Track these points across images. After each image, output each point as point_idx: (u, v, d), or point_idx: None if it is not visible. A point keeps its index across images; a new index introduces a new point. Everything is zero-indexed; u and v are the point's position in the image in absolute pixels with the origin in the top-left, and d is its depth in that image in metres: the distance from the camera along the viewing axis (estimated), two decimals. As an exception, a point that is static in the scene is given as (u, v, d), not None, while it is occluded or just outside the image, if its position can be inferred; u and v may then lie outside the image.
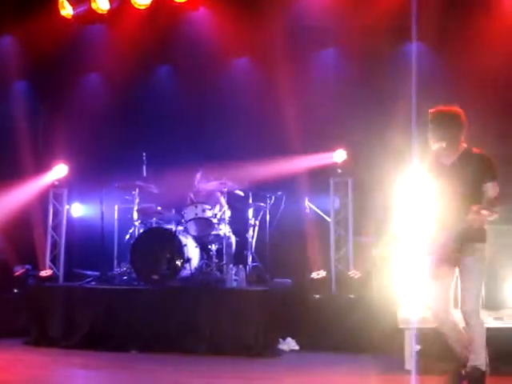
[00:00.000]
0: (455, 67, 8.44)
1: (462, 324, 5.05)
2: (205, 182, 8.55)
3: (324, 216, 8.59)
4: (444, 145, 5.01)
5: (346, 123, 8.55)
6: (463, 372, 4.95)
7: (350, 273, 7.94)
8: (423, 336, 6.12)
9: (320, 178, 8.59)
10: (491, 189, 4.93)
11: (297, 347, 7.38)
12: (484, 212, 4.62)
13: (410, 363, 5.99)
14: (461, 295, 4.98)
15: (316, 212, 8.68)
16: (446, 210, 4.96)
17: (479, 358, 4.90)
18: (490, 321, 5.82)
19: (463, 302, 4.94)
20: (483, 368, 4.91)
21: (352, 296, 7.67)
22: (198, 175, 8.61)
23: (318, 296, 7.77)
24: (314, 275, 7.96)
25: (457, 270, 5.03)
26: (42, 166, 9.51)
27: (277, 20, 9.19)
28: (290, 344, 7.37)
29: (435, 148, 5.06)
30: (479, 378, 4.89)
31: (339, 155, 8.37)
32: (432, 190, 5.09)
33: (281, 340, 7.37)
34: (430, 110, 5.13)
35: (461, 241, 4.90)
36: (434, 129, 5.05)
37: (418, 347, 6.14)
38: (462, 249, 4.94)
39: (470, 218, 4.69)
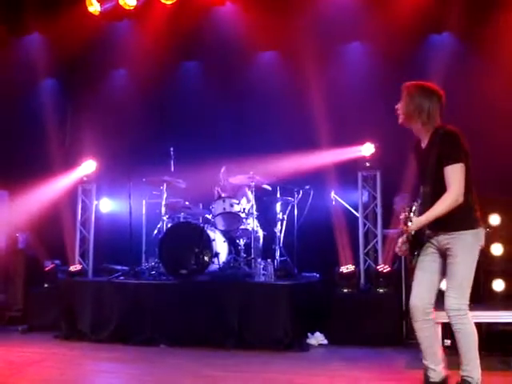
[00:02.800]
0: (484, 58, 8.32)
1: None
2: (230, 176, 8.55)
3: (352, 210, 8.54)
4: (419, 124, 4.47)
5: (374, 116, 8.47)
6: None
7: (378, 267, 7.89)
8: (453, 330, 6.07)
9: (348, 172, 8.54)
10: (451, 173, 4.27)
11: (325, 341, 7.36)
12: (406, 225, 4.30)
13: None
14: (446, 291, 4.42)
15: (344, 206, 8.63)
16: (421, 196, 4.45)
17: (466, 367, 4.37)
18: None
19: (445, 298, 4.38)
20: (471, 381, 4.35)
21: (381, 290, 7.62)
22: (223, 170, 8.61)
23: (346, 290, 7.74)
24: (343, 269, 7.91)
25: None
26: (70, 162, 9.62)
27: (303, 13, 9.13)
28: (318, 338, 7.35)
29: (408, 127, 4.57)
30: None
31: (367, 148, 8.31)
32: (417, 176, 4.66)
33: (309, 334, 7.36)
34: (406, 84, 4.59)
35: (439, 230, 4.40)
36: (410, 104, 4.50)
37: (448, 341, 6.10)
38: (441, 238, 4.42)
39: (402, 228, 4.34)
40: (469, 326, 4.37)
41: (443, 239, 4.42)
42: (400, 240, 4.60)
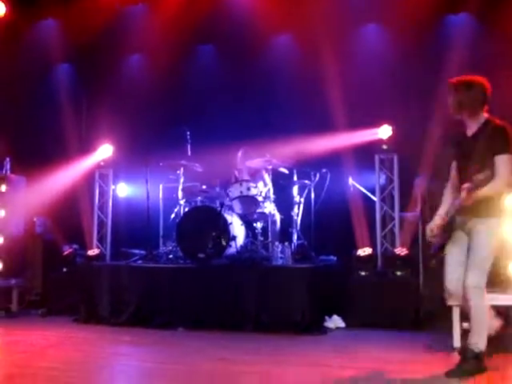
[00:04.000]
0: (503, 37, 8.22)
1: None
2: (247, 159, 8.53)
3: (369, 194, 8.51)
4: (465, 115, 4.89)
5: (391, 98, 8.43)
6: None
7: (396, 250, 7.86)
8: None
9: (365, 155, 8.50)
10: (501, 162, 4.68)
11: (343, 324, 7.36)
12: (471, 192, 4.55)
13: (458, 341, 5.93)
14: (466, 270, 4.82)
15: (361, 190, 8.60)
16: (462, 183, 4.75)
17: (474, 338, 4.79)
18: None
19: (465, 276, 4.78)
20: (476, 350, 4.78)
21: (398, 273, 7.60)
22: (240, 153, 8.58)
23: (363, 273, 7.73)
24: (360, 252, 7.89)
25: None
26: (87, 147, 9.65)
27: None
28: (336, 321, 7.35)
29: (459, 118, 4.95)
30: (470, 359, 4.79)
31: (384, 131, 8.26)
32: (456, 163, 5.03)
33: (327, 317, 7.36)
34: (450, 80, 4.96)
35: (468, 214, 4.78)
36: (454, 98, 4.88)
37: (466, 324, 6.07)
38: (470, 222, 4.81)
39: (462, 198, 4.60)
40: (484, 303, 4.79)
41: (472, 223, 4.79)
42: (434, 226, 4.95)
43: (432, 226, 4.98)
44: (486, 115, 4.87)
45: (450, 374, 4.79)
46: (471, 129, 4.90)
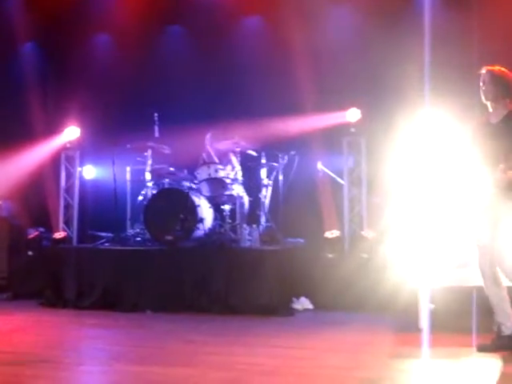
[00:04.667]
0: (472, 19, 8.27)
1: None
2: (216, 142, 8.49)
3: (337, 178, 8.54)
4: (492, 103, 5.10)
5: (360, 81, 8.45)
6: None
7: (363, 232, 7.91)
8: (436, 294, 6.13)
9: (333, 138, 8.53)
10: None
11: (310, 306, 7.40)
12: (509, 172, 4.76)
13: (424, 321, 6.01)
14: (500, 253, 5.02)
15: (329, 173, 8.63)
16: (489, 167, 4.97)
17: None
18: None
19: (503, 259, 5.00)
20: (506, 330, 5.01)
21: (365, 255, 7.66)
22: (208, 135, 8.53)
23: (331, 255, 7.78)
24: (328, 235, 7.94)
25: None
26: (53, 129, 9.50)
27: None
28: (303, 303, 7.39)
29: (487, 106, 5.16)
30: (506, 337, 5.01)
31: (353, 114, 8.28)
32: (478, 148, 5.15)
33: (294, 299, 7.39)
34: (480, 71, 5.17)
35: (501, 197, 4.95)
36: (484, 88, 5.11)
37: (432, 305, 6.16)
38: (503, 204, 4.97)
39: (496, 178, 4.82)
40: None
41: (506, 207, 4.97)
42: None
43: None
44: (511, 106, 5.13)
45: (482, 349, 5.01)
46: (496, 116, 5.12)
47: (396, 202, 7.22)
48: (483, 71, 5.15)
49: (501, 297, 5.03)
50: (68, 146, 9.36)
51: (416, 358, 5.00)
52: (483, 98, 5.13)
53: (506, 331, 5.01)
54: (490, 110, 5.16)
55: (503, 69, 5.15)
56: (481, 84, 5.14)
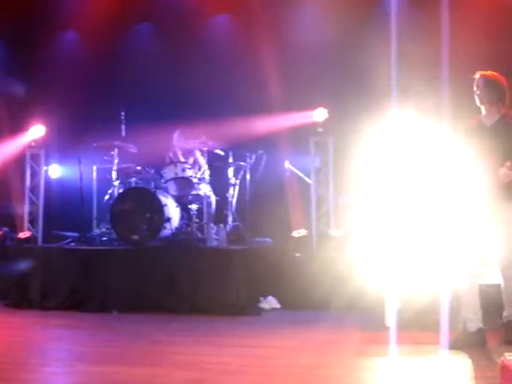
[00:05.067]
0: (440, 18, 8.33)
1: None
2: (183, 140, 8.46)
3: (305, 178, 8.56)
4: (486, 106, 5.28)
5: (328, 81, 8.49)
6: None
7: (330, 231, 7.95)
8: (403, 293, 6.19)
9: (301, 137, 8.55)
10: None
11: (278, 305, 7.41)
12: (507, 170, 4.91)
13: (390, 320, 6.05)
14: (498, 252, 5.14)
15: (296, 172, 8.65)
16: (483, 169, 5.13)
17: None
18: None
19: (501, 257, 5.11)
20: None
21: (332, 255, 7.69)
22: (176, 134, 8.51)
23: (298, 255, 7.79)
24: (295, 234, 7.96)
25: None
26: (18, 127, 9.35)
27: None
28: (270, 302, 7.40)
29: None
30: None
31: (320, 114, 8.31)
32: (470, 150, 5.28)
33: (262, 298, 7.40)
34: (474, 76, 5.34)
35: (497, 199, 5.09)
36: (478, 92, 5.30)
37: (398, 304, 6.21)
38: (496, 207, 5.11)
39: (501, 174, 4.96)
40: None
41: (500, 208, 5.11)
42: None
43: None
44: (503, 110, 5.32)
45: (452, 345, 5.05)
46: (490, 119, 5.31)
47: (363, 202, 7.29)
48: (477, 76, 5.33)
49: (474, 292, 5.15)
50: (33, 144, 9.21)
51: (383, 356, 5.04)
52: (478, 101, 5.32)
53: (472, 327, 5.12)
54: (484, 112, 5.33)
55: (495, 73, 5.34)
56: (475, 88, 5.33)
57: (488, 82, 5.29)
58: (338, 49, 8.76)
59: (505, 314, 5.16)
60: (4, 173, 9.27)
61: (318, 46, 8.88)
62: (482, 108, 5.36)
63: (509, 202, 5.11)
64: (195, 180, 8.10)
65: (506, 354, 2.86)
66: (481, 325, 5.15)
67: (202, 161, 8.35)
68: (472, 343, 5.06)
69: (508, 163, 4.96)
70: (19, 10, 9.55)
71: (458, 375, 4.50)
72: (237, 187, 8.57)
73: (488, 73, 5.36)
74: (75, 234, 8.48)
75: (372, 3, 8.89)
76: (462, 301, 5.20)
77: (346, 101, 8.34)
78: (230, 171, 8.50)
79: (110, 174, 8.45)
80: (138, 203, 7.81)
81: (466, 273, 5.20)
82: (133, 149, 8.52)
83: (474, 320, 5.14)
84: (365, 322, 6.40)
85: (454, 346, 5.04)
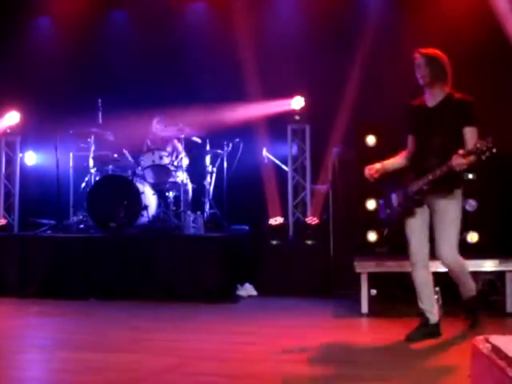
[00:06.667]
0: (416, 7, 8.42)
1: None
2: (162, 128, 8.45)
3: (282, 165, 8.60)
4: (428, 87, 4.95)
5: (304, 69, 8.51)
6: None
7: (307, 219, 8.00)
8: (379, 280, 6.27)
9: (278, 125, 8.57)
10: (469, 133, 4.79)
11: (255, 292, 7.46)
12: (469, 157, 4.57)
13: (366, 307, 6.13)
14: (436, 240, 4.92)
15: (274, 160, 8.69)
16: (424, 151, 4.92)
17: (468, 287, 5.09)
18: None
19: (439, 246, 4.89)
20: (473, 293, 5.13)
21: (309, 242, 7.74)
22: (155, 121, 8.49)
23: (275, 242, 7.83)
24: (272, 222, 8.00)
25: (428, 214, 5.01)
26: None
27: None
28: (248, 289, 7.44)
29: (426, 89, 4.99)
30: (474, 304, 5.16)
31: (297, 102, 8.33)
32: (411, 132, 5.11)
33: (239, 286, 7.43)
34: (415, 53, 4.99)
35: (437, 184, 4.82)
36: (429, 70, 4.92)
37: (374, 291, 6.29)
38: (436, 192, 4.86)
39: (455, 162, 4.59)
40: (466, 268, 5.09)
41: (439, 198, 4.88)
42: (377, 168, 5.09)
43: (371, 167, 5.10)
44: (447, 89, 4.97)
45: (410, 337, 4.93)
46: (434, 100, 4.97)
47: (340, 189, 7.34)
48: (417, 54, 4.98)
49: (427, 281, 5.02)
50: (8, 131, 9.16)
51: (356, 342, 5.11)
52: (420, 81, 4.96)
53: (432, 319, 5.00)
54: (426, 93, 5.01)
55: (436, 51, 4.99)
56: (416, 68, 4.97)
57: (429, 61, 4.90)
58: (315, 36, 8.78)
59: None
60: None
61: (296, 34, 8.90)
62: (425, 89, 5.00)
63: (449, 191, 4.87)
64: (172, 168, 8.10)
65: (477, 336, 2.89)
66: (437, 318, 5.02)
67: (180, 148, 8.34)
68: (433, 335, 4.97)
69: (461, 151, 4.59)
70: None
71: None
72: (214, 175, 8.59)
73: (429, 50, 4.98)
74: (52, 222, 8.45)
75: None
76: (418, 294, 5.03)
77: (322, 88, 8.37)
78: (207, 159, 8.52)
79: (87, 161, 8.41)
80: (115, 191, 7.80)
81: (417, 265, 5.02)
82: (110, 136, 8.49)
83: (431, 313, 5.00)
84: (342, 309, 6.47)
85: (416, 337, 4.93)
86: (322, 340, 5.15)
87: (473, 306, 5.20)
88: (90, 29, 9.67)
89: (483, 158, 4.47)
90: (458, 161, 4.58)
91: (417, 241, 5.01)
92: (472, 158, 4.57)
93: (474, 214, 6.60)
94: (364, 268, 6.18)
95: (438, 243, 4.89)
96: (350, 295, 6.70)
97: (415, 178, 4.92)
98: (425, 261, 5.03)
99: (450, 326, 5.21)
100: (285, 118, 8.43)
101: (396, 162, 5.21)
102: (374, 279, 6.23)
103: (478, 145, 4.46)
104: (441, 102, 4.95)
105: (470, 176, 6.54)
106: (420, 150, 5.01)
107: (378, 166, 5.12)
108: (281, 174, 8.59)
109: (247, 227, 8.57)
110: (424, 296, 5.02)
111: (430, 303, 5.03)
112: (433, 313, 5.02)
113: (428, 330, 4.98)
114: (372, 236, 6.78)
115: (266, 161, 8.67)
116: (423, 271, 5.02)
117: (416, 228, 5.01)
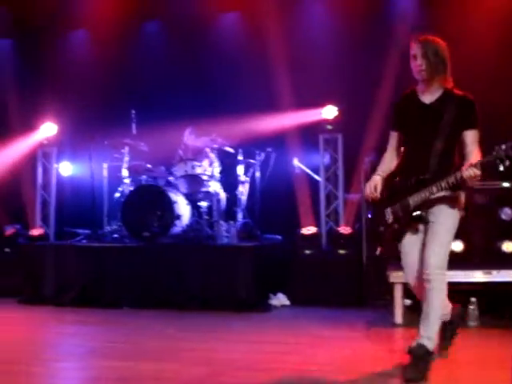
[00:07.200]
0: (447, 15, 8.35)
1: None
2: (194, 138, 8.51)
3: (314, 175, 8.59)
4: (426, 81, 4.27)
5: (337, 78, 8.50)
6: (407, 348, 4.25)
7: (339, 229, 7.98)
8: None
9: (310, 134, 8.57)
10: (470, 137, 4.19)
11: (288, 302, 7.46)
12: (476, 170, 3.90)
13: (400, 317, 6.09)
14: (426, 248, 4.23)
15: (306, 170, 8.68)
16: (421, 156, 4.24)
17: (429, 330, 4.19)
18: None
19: (428, 254, 4.18)
20: (430, 346, 4.18)
21: (342, 251, 7.72)
22: (188, 131, 8.55)
23: (308, 251, 7.82)
24: (305, 231, 7.99)
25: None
26: (30, 125, 9.43)
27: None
28: (280, 299, 7.44)
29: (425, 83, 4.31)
30: (422, 357, 4.15)
31: (329, 111, 8.33)
32: (404, 132, 4.44)
33: (272, 295, 7.44)
34: (412, 40, 4.32)
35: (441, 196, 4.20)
36: (415, 62, 4.27)
37: (408, 301, 6.25)
38: (439, 204, 4.22)
39: (467, 174, 3.93)
40: (445, 288, 4.28)
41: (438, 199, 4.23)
42: (375, 184, 4.48)
43: (373, 184, 4.47)
44: (446, 84, 4.30)
45: (407, 377, 4.10)
46: (431, 96, 4.31)
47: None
48: (413, 43, 4.30)
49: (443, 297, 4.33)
50: (45, 142, 9.33)
51: (390, 353, 5.07)
52: (416, 75, 4.30)
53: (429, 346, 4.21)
54: (422, 86, 4.34)
55: (436, 38, 4.32)
56: (411, 59, 4.30)
57: (427, 50, 4.21)
58: (346, 44, 8.77)
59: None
60: (17, 171, 9.36)
61: (327, 42, 8.90)
62: (421, 82, 4.32)
63: (454, 201, 4.24)
64: (205, 177, 8.14)
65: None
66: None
67: (213, 158, 8.38)
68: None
69: (474, 160, 3.96)
70: (30, 8, 9.62)
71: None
72: (246, 184, 8.61)
73: (428, 37, 4.30)
74: (87, 231, 8.56)
75: (381, 1, 8.89)
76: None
77: (354, 97, 8.35)
78: (240, 168, 8.54)
79: (121, 171, 8.50)
80: (149, 200, 7.86)
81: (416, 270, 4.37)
82: (143, 147, 8.57)
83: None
84: (375, 319, 6.44)
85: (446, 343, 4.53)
86: (356, 350, 5.13)
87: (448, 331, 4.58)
88: (123, 40, 9.79)
89: (501, 168, 3.77)
90: (471, 172, 3.92)
91: (412, 259, 4.38)
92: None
93: (509, 222, 6.51)
94: (397, 278, 6.14)
95: (429, 249, 4.19)
96: (384, 305, 6.67)
97: (413, 189, 4.23)
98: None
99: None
100: (317, 127, 8.44)
101: (389, 166, 4.54)
102: (408, 289, 6.17)
103: (495, 152, 3.80)
104: (439, 98, 4.28)
105: (506, 184, 6.48)
106: (414, 154, 4.33)
107: (377, 179, 4.48)
108: (313, 184, 8.58)
109: (280, 237, 8.57)
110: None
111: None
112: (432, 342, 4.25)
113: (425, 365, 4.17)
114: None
115: (297, 170, 8.67)
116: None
117: (412, 247, 4.37)
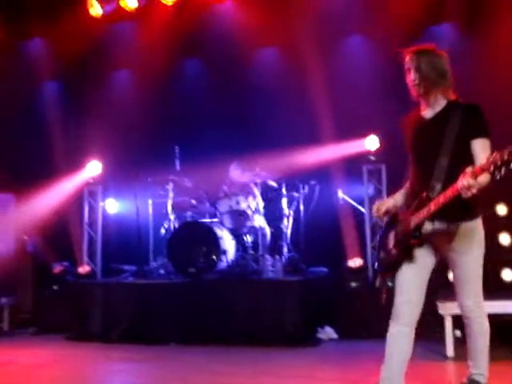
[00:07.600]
0: (486, 48, 8.30)
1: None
2: (240, 173, 8.54)
3: (358, 206, 8.54)
4: (424, 96, 3.98)
5: (376, 109, 8.47)
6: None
7: (386, 260, 7.87)
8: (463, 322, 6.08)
9: (353, 166, 8.54)
10: (478, 146, 3.77)
11: (335, 336, 7.37)
12: (481, 178, 3.43)
13: (451, 349, 5.96)
14: (458, 288, 4.06)
15: (350, 201, 8.63)
16: (424, 175, 3.93)
17: (479, 366, 4.12)
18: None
19: (463, 295, 4.04)
20: (482, 380, 4.09)
21: (390, 284, 7.60)
22: (232, 167, 8.60)
23: (354, 284, 7.74)
24: (351, 263, 7.92)
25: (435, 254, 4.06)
26: (75, 164, 9.61)
27: (302, 8, 9.13)
28: (328, 333, 7.36)
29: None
30: None
31: (371, 142, 8.30)
32: (411, 152, 4.13)
33: (319, 329, 7.37)
34: (405, 52, 4.05)
35: (445, 219, 3.86)
36: (411, 78, 3.99)
37: (459, 332, 6.11)
38: (448, 230, 3.89)
39: (460, 185, 3.45)
40: (487, 323, 4.13)
41: (453, 233, 3.91)
42: (381, 205, 4.31)
43: (379, 205, 4.30)
44: (448, 95, 4.00)
45: None
46: (431, 110, 4.02)
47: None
48: (406, 55, 4.02)
49: (406, 350, 4.29)
50: (91, 181, 9.49)
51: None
52: (411, 90, 4.03)
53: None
54: (422, 102, 4.07)
55: (431, 47, 4.03)
56: (406, 73, 4.03)
57: (421, 62, 3.92)
58: (386, 76, 8.75)
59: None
60: (63, 209, 9.52)
61: (366, 74, 8.90)
62: (420, 98, 4.03)
63: (468, 219, 3.90)
64: (249, 212, 8.15)
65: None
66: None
67: (256, 192, 8.40)
68: None
69: (469, 168, 3.43)
70: (74, 51, 9.86)
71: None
72: (291, 218, 8.59)
73: (421, 47, 3.99)
74: (133, 268, 8.62)
75: (417, 31, 8.87)
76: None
77: (396, 127, 8.30)
78: (284, 202, 8.53)
79: (166, 207, 8.57)
80: (194, 236, 7.90)
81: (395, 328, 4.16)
82: (187, 183, 8.64)
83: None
84: (425, 352, 6.30)
85: None
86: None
87: None
88: (165, 78, 9.94)
89: (497, 176, 3.25)
90: (464, 182, 3.42)
91: (404, 296, 4.09)
92: (484, 177, 3.43)
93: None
94: (447, 310, 6.02)
95: (462, 292, 4.04)
96: (435, 337, 6.53)
97: (414, 210, 3.92)
98: (410, 326, 4.08)
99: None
100: (360, 158, 8.41)
101: (404, 192, 4.30)
102: (458, 319, 6.05)
103: (491, 158, 3.27)
104: (442, 111, 3.95)
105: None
106: (418, 173, 4.05)
107: (386, 201, 4.36)
108: (358, 215, 8.52)
109: (326, 269, 8.50)
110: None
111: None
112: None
113: None
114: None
115: (341, 202, 8.62)
116: (402, 338, 4.14)
117: (409, 278, 4.06)
